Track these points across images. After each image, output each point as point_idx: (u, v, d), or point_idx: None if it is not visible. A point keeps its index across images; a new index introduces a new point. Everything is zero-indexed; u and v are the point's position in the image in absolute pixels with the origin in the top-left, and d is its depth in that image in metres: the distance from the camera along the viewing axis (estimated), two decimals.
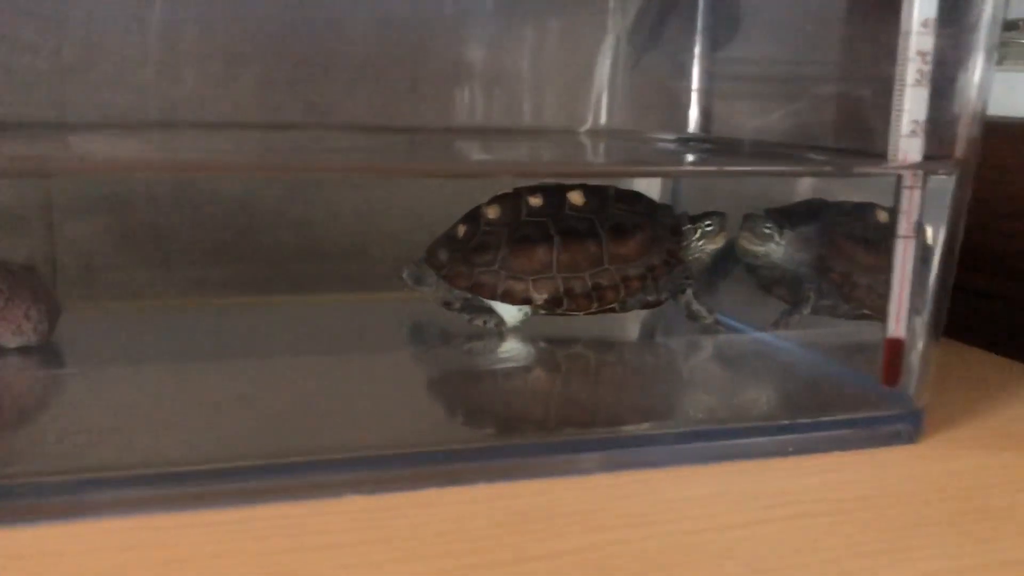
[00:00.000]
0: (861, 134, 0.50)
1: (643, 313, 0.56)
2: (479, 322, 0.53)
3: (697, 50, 0.64)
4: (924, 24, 0.39)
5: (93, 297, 0.57)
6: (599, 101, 0.66)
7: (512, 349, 0.53)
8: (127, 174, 0.54)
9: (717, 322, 0.55)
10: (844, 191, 0.55)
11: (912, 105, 0.40)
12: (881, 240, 0.50)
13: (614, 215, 0.53)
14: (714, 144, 0.61)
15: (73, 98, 0.55)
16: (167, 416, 0.43)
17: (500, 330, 0.53)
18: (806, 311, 0.54)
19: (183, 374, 0.48)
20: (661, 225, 0.54)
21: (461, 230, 0.54)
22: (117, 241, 0.57)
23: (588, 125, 0.66)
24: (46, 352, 0.49)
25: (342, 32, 0.59)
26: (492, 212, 0.54)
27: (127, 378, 0.47)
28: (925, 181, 0.41)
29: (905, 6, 0.39)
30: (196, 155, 0.43)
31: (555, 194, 0.54)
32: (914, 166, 0.41)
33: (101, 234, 0.57)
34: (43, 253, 0.56)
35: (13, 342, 0.48)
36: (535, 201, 0.53)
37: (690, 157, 0.59)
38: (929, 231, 0.43)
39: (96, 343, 0.52)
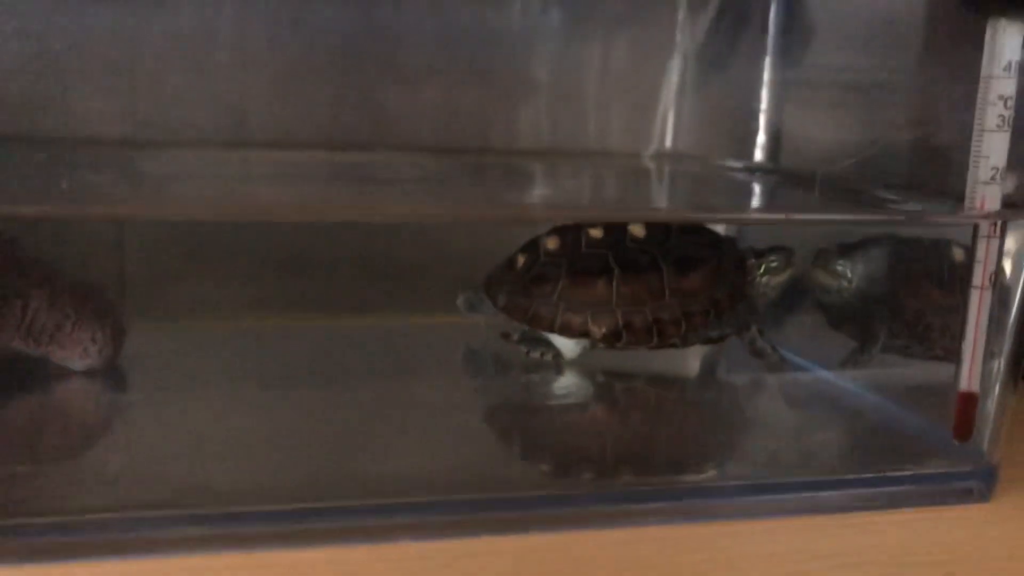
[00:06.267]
0: (936, 172, 0.48)
1: (706, 347, 0.55)
2: (536, 354, 0.53)
3: (767, 73, 0.62)
4: (1006, 68, 0.37)
5: (159, 313, 0.58)
6: (664, 123, 0.64)
7: (569, 384, 0.52)
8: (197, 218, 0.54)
9: (782, 359, 0.53)
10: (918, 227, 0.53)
11: (992, 151, 0.38)
12: (957, 280, 0.48)
13: (677, 248, 0.52)
14: (781, 176, 0.60)
15: (143, 117, 0.56)
16: (220, 450, 0.43)
17: (557, 363, 0.53)
18: (875, 350, 0.52)
19: (237, 402, 0.49)
20: (725, 259, 0.53)
21: (520, 260, 0.53)
22: (183, 256, 0.58)
23: (653, 148, 0.65)
24: (111, 375, 0.50)
25: (407, 51, 0.59)
26: (551, 243, 0.53)
27: (185, 405, 0.48)
28: (1004, 230, 0.40)
29: (987, 49, 0.38)
30: (263, 201, 0.43)
31: (616, 225, 0.53)
32: (993, 215, 0.39)
33: (168, 249, 0.58)
34: (113, 267, 0.57)
35: (79, 365, 0.49)
36: (595, 232, 0.53)
37: (757, 188, 0.57)
38: (1008, 273, 0.42)
39: (159, 366, 0.53)
